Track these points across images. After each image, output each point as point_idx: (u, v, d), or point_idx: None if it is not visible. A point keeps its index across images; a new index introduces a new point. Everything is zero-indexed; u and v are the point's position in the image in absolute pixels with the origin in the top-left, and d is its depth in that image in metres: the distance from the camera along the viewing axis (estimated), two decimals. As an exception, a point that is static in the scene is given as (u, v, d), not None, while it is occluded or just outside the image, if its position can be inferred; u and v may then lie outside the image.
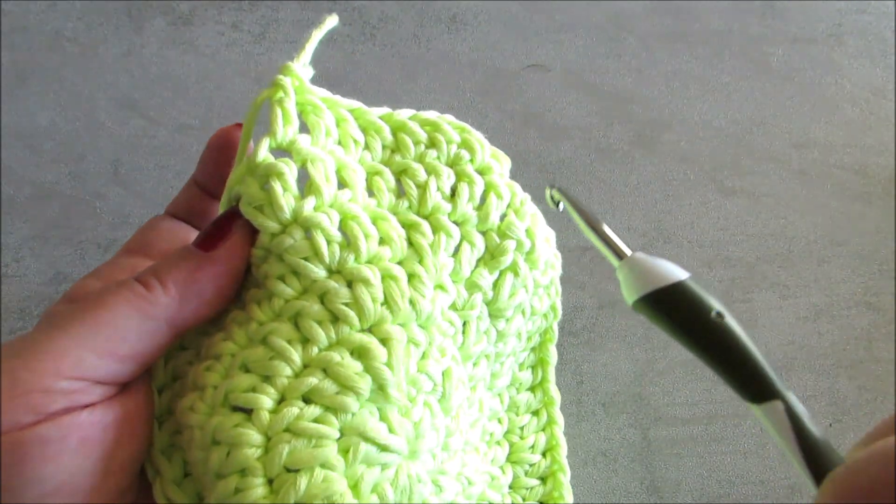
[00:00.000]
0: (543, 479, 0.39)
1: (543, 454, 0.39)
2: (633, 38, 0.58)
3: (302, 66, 0.32)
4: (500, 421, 0.38)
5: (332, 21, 0.33)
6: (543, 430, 0.39)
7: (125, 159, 0.51)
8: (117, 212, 0.50)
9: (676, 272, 0.30)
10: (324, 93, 0.32)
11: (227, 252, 0.30)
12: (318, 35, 0.33)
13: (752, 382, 0.28)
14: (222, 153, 0.34)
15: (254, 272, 0.31)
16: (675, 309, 0.30)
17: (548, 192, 0.35)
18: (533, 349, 0.39)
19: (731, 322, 0.30)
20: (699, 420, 0.46)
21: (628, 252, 0.31)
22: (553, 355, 0.39)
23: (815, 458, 0.26)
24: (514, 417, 0.39)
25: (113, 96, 0.53)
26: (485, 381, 0.36)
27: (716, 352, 0.29)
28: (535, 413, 0.39)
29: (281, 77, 0.31)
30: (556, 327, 0.39)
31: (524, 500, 0.38)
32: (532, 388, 0.39)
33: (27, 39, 0.54)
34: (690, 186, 0.53)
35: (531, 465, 0.38)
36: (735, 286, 0.50)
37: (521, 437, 0.39)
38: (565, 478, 0.39)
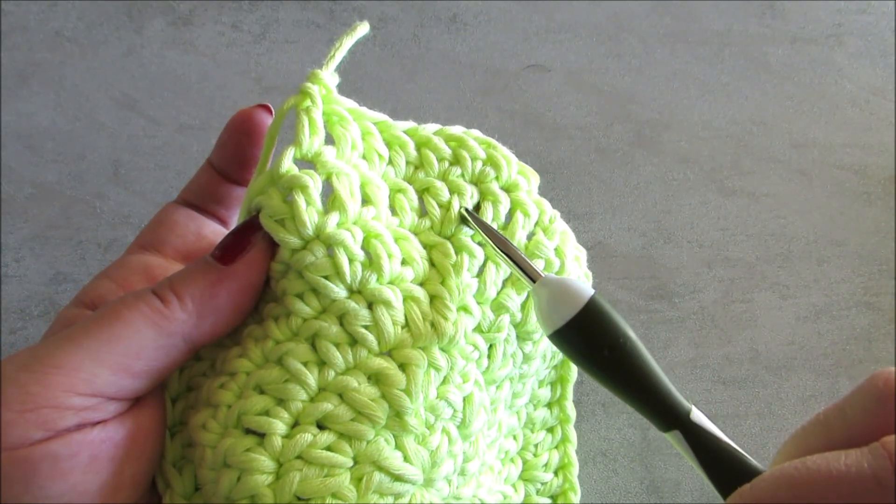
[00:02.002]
0: (554, 498, 0.38)
1: (556, 472, 0.38)
2: (633, 38, 0.58)
3: (329, 74, 0.31)
4: (515, 438, 0.37)
5: (363, 29, 0.32)
6: (557, 447, 0.38)
7: (125, 159, 0.51)
8: (117, 212, 0.50)
9: (582, 294, 0.29)
10: (350, 103, 0.32)
11: (246, 266, 0.29)
12: (348, 42, 0.32)
13: (651, 414, 0.28)
14: (242, 135, 0.33)
15: (272, 286, 0.30)
16: (573, 347, 0.29)
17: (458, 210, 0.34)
18: (555, 367, 0.38)
19: (629, 351, 0.28)
20: (699, 420, 0.46)
21: (541, 273, 0.30)
22: (573, 372, 0.38)
23: (724, 474, 0.27)
24: (529, 434, 0.38)
25: (113, 96, 0.53)
26: (506, 401, 0.35)
27: (611, 387, 0.29)
28: (550, 430, 0.38)
29: (308, 85, 0.30)
30: None
31: None
32: (549, 405, 0.38)
33: (27, 39, 0.54)
34: (690, 186, 0.53)
35: (543, 484, 0.37)
36: (735, 286, 0.50)
37: (535, 455, 0.38)
38: (576, 497, 0.38)
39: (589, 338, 0.28)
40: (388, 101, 0.54)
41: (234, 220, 0.36)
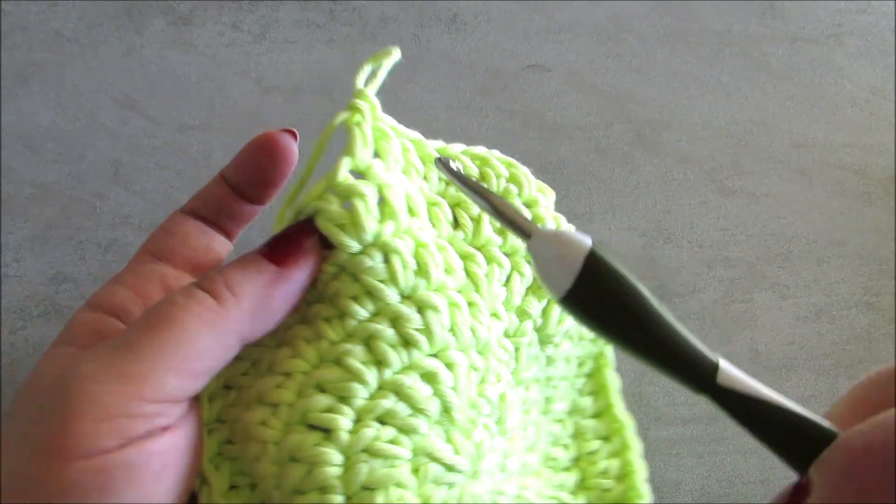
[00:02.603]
0: None
1: (618, 479, 0.39)
2: (633, 38, 0.58)
3: (373, 92, 0.32)
4: (565, 447, 0.38)
5: (395, 55, 0.34)
6: (617, 455, 0.39)
7: (125, 159, 0.51)
8: (117, 212, 0.50)
9: (579, 249, 0.25)
10: (390, 121, 0.33)
11: (301, 270, 0.29)
12: (387, 65, 0.33)
13: (678, 381, 0.24)
14: (266, 156, 0.33)
15: (319, 287, 0.31)
16: (581, 314, 0.25)
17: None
18: (589, 375, 0.39)
19: (635, 310, 0.24)
20: (699, 420, 0.46)
21: (535, 228, 0.27)
22: (614, 379, 0.39)
23: (781, 439, 0.23)
24: (581, 443, 0.39)
25: (113, 96, 0.53)
26: (538, 404, 0.37)
27: (635, 348, 0.25)
28: (606, 439, 0.39)
29: (358, 101, 0.32)
30: (610, 353, 0.39)
31: None
32: (597, 415, 0.39)
33: (27, 39, 0.54)
34: (690, 186, 0.53)
35: (604, 491, 0.38)
36: (735, 286, 0.50)
37: (592, 463, 0.39)
38: (644, 500, 0.38)
39: (593, 301, 0.25)
40: (388, 101, 0.53)
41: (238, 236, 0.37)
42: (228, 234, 0.36)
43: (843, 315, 0.50)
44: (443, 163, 0.32)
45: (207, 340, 0.27)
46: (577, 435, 0.39)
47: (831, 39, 0.59)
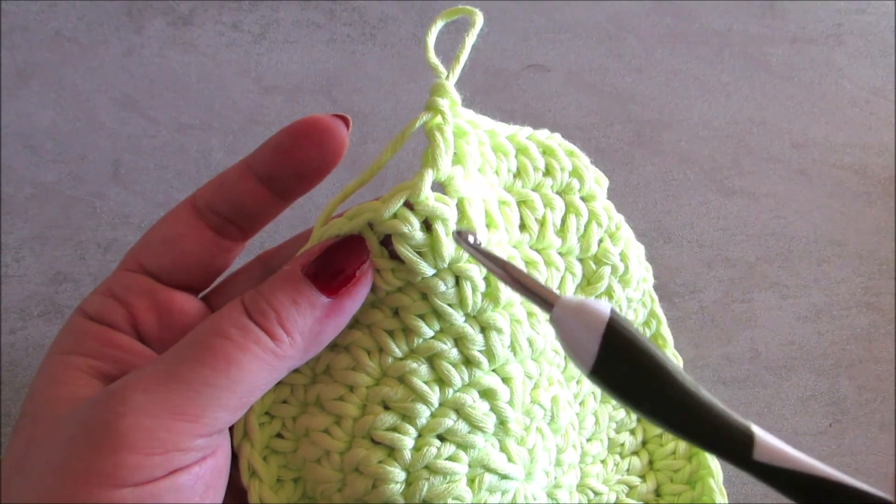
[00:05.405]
0: (692, 484, 0.38)
1: (689, 459, 0.39)
2: (633, 38, 0.58)
3: (453, 83, 0.31)
4: (632, 432, 0.39)
5: (479, 21, 0.31)
6: None
7: (125, 159, 0.51)
8: (117, 212, 0.50)
9: (602, 313, 0.24)
10: (469, 114, 0.32)
11: (353, 301, 0.29)
12: (469, 41, 0.31)
13: (714, 452, 0.22)
14: (310, 144, 0.29)
15: (381, 296, 0.30)
16: (610, 385, 0.23)
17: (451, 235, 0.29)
18: None
19: (675, 374, 0.22)
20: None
21: (556, 296, 0.25)
22: (675, 359, 0.39)
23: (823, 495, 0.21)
24: (649, 427, 0.39)
25: (113, 96, 0.53)
26: (594, 395, 0.37)
27: (665, 422, 0.23)
28: None
29: (438, 99, 0.30)
30: (667, 333, 0.39)
31: None
32: None
33: (27, 39, 0.54)
34: (690, 186, 0.53)
35: (675, 472, 0.39)
36: (735, 286, 0.50)
37: (661, 445, 0.39)
38: (715, 481, 0.38)
39: (619, 371, 0.23)
40: (388, 101, 0.53)
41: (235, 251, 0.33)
42: (242, 235, 0.32)
43: (843, 315, 0.50)
44: (462, 237, 0.29)
45: (263, 379, 0.27)
46: (642, 419, 0.39)
47: (831, 39, 0.59)
